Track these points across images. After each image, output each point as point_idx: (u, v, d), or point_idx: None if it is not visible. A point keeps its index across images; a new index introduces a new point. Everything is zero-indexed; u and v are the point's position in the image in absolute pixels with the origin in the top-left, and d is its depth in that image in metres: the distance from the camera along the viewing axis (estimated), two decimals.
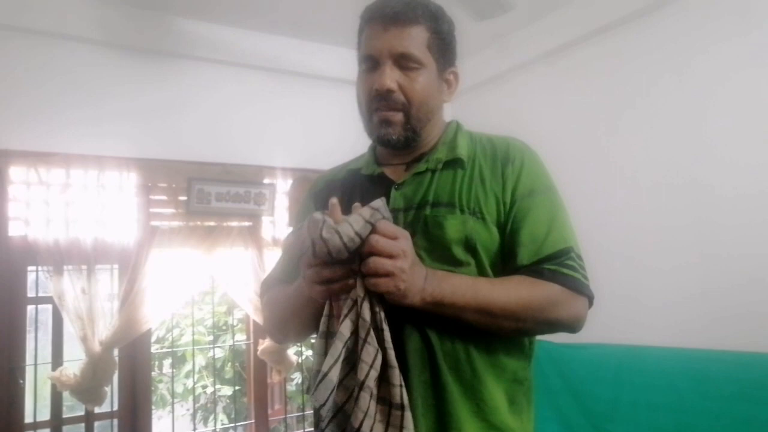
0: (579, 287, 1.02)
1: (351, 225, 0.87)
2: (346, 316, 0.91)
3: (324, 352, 0.94)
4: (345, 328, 0.90)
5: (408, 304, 0.93)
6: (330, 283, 0.92)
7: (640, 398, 2.29)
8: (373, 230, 0.89)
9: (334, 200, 0.93)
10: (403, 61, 1.04)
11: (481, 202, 1.04)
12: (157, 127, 2.79)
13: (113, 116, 2.68)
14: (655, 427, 2.23)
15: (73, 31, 2.62)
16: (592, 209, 2.69)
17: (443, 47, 1.09)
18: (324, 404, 0.88)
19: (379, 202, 0.92)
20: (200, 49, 2.91)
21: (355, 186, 1.16)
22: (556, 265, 1.01)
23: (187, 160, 2.83)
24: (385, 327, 0.91)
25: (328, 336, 0.96)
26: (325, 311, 0.97)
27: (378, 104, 1.06)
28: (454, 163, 1.09)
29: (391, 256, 0.89)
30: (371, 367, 0.87)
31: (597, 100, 2.78)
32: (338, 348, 0.88)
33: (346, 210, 0.94)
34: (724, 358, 2.10)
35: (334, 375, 0.87)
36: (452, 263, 1.01)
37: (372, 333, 0.89)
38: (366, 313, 0.90)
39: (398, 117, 1.06)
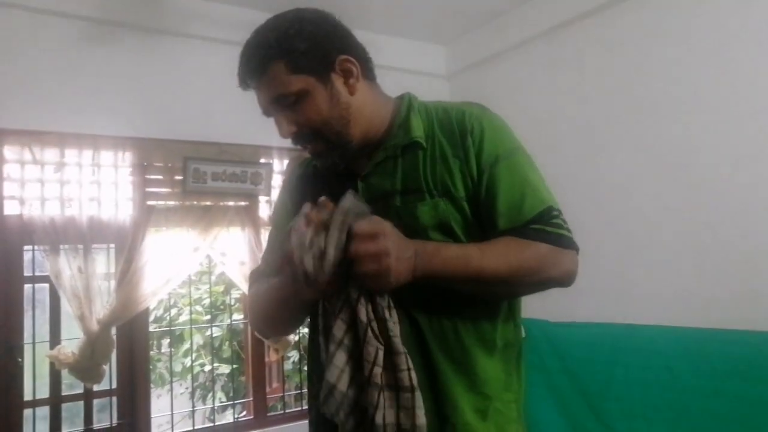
0: (566, 243, 1.01)
1: (331, 250, 0.88)
2: (337, 317, 0.93)
3: (322, 349, 0.98)
4: (338, 330, 0.93)
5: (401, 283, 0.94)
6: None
7: (635, 376, 2.31)
8: (350, 236, 0.89)
9: (308, 213, 0.92)
10: (282, 102, 1.03)
11: (448, 182, 1.03)
12: (152, 105, 2.76)
13: (108, 95, 2.65)
14: (649, 405, 2.25)
15: (68, 8, 2.58)
16: (588, 188, 2.69)
17: (311, 57, 1.02)
18: (338, 413, 0.92)
19: (348, 200, 0.92)
20: (196, 27, 2.87)
21: (323, 183, 1.15)
22: (540, 225, 1.00)
23: (183, 139, 2.81)
24: (388, 316, 0.93)
25: (324, 333, 0.98)
26: (320, 310, 0.99)
27: (297, 144, 1.08)
28: (413, 146, 1.07)
29: (376, 257, 0.89)
30: (374, 364, 0.91)
31: (595, 79, 2.76)
32: (342, 357, 0.92)
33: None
34: (718, 336, 2.11)
35: (343, 384, 0.91)
36: None
37: (370, 332, 0.91)
38: (362, 314, 0.92)
39: (319, 146, 1.07)
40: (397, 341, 0.92)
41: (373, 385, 0.90)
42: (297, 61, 1.01)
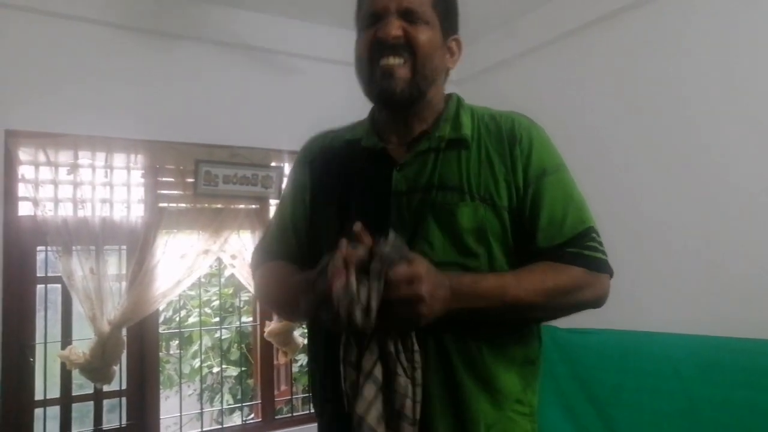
0: (601, 267, 1.01)
1: (374, 304, 0.85)
2: (366, 348, 0.92)
3: (342, 378, 0.95)
4: (367, 362, 0.92)
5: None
6: None
7: (645, 384, 2.30)
8: (386, 285, 0.86)
9: (346, 253, 0.86)
10: (409, 17, 1.01)
11: (492, 189, 1.01)
12: (164, 109, 2.79)
13: (121, 98, 2.68)
14: (659, 412, 2.23)
15: (82, 12, 2.61)
16: (599, 194, 2.67)
17: (447, 9, 1.06)
18: None
19: (389, 244, 0.88)
20: (208, 32, 2.90)
21: (354, 163, 1.10)
22: (578, 248, 1.00)
23: (195, 142, 2.83)
24: (415, 348, 0.92)
25: (346, 364, 0.95)
26: (343, 339, 0.95)
27: (381, 52, 1.01)
28: (458, 143, 1.05)
29: (410, 303, 0.87)
30: (405, 396, 0.91)
31: (608, 84, 2.75)
32: (371, 390, 0.91)
33: (344, 193, 0.93)
34: (729, 345, 2.09)
35: (373, 418, 0.90)
36: (463, 253, 0.99)
37: (399, 366, 0.91)
38: (391, 347, 0.91)
39: (403, 71, 1.01)
40: (419, 374, 0.92)
41: (404, 417, 0.90)
42: (441, 2, 1.04)
